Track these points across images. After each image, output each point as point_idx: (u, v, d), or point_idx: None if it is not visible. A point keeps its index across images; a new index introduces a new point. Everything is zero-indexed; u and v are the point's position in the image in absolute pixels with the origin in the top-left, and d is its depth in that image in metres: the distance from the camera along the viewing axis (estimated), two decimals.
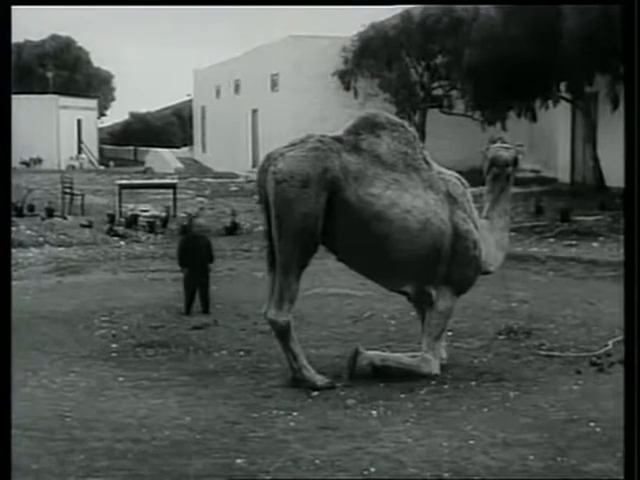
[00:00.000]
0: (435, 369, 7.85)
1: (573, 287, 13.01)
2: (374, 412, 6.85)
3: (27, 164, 45.38)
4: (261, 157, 7.96)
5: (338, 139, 7.71)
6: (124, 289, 12.59)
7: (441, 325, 8.00)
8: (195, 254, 10.94)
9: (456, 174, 8.26)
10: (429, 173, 7.95)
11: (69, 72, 60.91)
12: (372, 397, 7.24)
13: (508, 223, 8.69)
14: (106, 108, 66.12)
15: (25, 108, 43.49)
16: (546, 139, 31.81)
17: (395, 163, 7.78)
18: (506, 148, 8.57)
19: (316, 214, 7.42)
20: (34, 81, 56.81)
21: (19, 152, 40.69)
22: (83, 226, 20.44)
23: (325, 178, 7.42)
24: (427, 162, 8.02)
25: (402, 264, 7.81)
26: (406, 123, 8.19)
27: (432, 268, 7.87)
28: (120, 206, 22.68)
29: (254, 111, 40.83)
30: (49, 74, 56.32)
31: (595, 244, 17.96)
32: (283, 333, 7.64)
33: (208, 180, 36.35)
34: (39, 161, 46.91)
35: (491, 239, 8.35)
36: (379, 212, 7.57)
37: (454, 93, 33.64)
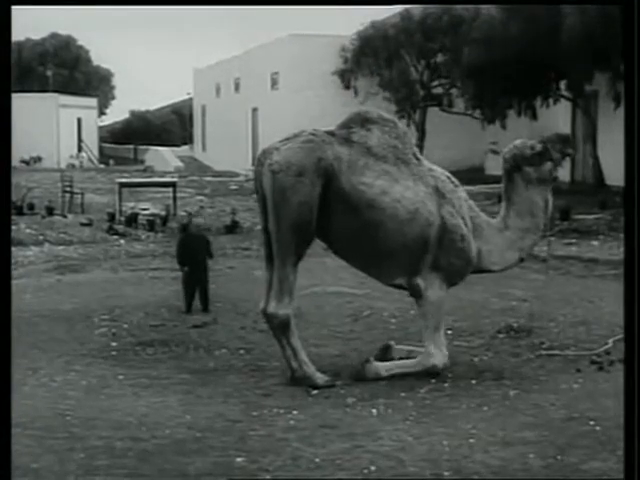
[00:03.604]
0: (439, 361, 7.80)
1: (573, 285, 13.02)
2: (374, 410, 6.85)
3: (27, 162, 45.43)
4: None
5: (330, 133, 7.87)
6: (124, 287, 12.57)
7: (435, 316, 7.97)
8: (194, 253, 10.94)
9: (447, 172, 8.28)
10: (419, 168, 8.03)
11: (69, 70, 60.96)
12: (372, 395, 7.24)
13: (535, 225, 8.33)
14: (106, 107, 66.23)
15: (25, 107, 43.52)
16: None
17: (385, 155, 7.88)
18: (515, 147, 8.50)
19: (312, 203, 7.51)
20: (34, 80, 56.90)
21: (19, 151, 40.76)
22: (83, 224, 20.44)
23: (319, 167, 7.54)
24: (417, 158, 8.12)
25: (393, 254, 7.84)
26: (397, 119, 8.34)
27: (420, 258, 7.89)
28: (120, 204, 22.65)
29: (254, 109, 40.86)
30: (49, 72, 56.38)
31: (595, 242, 17.96)
32: (284, 327, 7.64)
33: (208, 179, 36.40)
34: (39, 159, 46.97)
35: (499, 238, 8.28)
36: (370, 200, 7.65)
37: (454, 91, 33.68)
